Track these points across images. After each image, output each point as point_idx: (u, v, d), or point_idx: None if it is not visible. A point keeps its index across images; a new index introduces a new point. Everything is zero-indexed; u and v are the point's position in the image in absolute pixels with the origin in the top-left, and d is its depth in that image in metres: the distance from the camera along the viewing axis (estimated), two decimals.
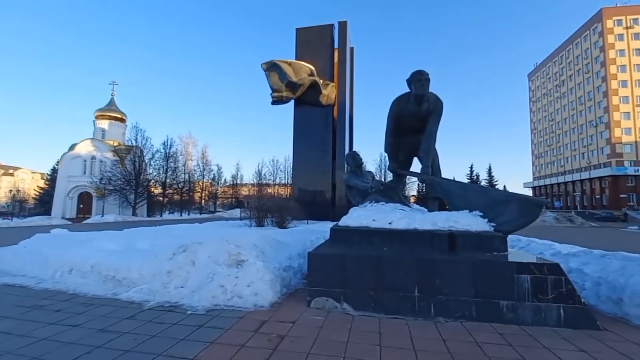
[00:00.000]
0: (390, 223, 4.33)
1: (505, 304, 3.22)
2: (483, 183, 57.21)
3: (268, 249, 5.40)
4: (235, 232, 9.26)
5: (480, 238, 3.83)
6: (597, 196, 54.89)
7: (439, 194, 5.23)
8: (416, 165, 5.72)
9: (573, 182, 61.51)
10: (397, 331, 2.94)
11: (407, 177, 6.63)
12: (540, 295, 3.17)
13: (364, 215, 4.66)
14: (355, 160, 6.88)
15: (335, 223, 4.74)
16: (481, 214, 4.22)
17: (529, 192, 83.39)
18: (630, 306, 3.26)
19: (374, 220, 4.45)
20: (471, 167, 58.34)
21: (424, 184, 5.97)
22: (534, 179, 78.55)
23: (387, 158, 6.16)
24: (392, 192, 6.07)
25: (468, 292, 3.30)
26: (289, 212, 14.66)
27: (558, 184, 66.94)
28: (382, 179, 27.95)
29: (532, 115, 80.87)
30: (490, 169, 59.49)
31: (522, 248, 6.22)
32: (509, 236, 7.55)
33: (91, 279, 4.38)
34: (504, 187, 64.09)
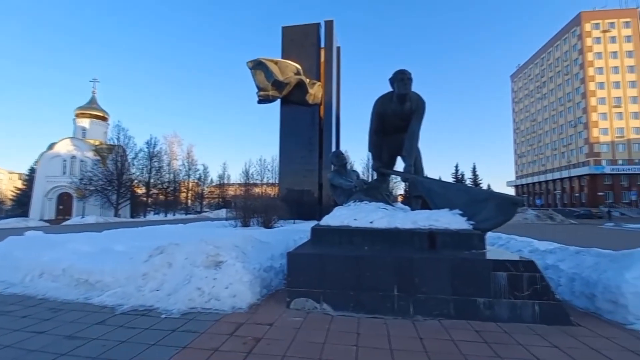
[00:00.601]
0: (371, 222, 4.31)
1: (482, 302, 3.25)
2: (468, 182, 58.33)
3: (250, 249, 5.31)
4: (218, 232, 9.12)
5: (460, 236, 3.86)
6: (577, 194, 56.72)
7: (421, 192, 5.26)
8: (400, 165, 5.75)
9: (554, 180, 63.38)
10: (375, 331, 2.92)
11: (392, 176, 6.66)
12: (516, 292, 3.21)
13: (346, 215, 4.63)
14: (339, 159, 6.87)
15: (316, 223, 4.70)
16: (461, 212, 4.25)
17: (511, 191, 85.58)
18: (602, 301, 3.34)
19: (355, 219, 4.43)
20: (456, 167, 59.50)
21: (407, 183, 6.01)
22: (517, 177, 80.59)
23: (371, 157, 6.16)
24: (375, 191, 6.08)
25: (446, 290, 3.31)
26: (275, 212, 14.56)
27: (540, 182, 68.84)
28: (369, 178, 28.14)
29: (514, 115, 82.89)
30: (474, 168, 60.79)
31: (502, 245, 6.33)
32: (491, 234, 7.72)
33: (63, 282, 4.20)
34: (488, 186, 65.58)
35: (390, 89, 5.26)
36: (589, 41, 55.65)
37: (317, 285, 3.55)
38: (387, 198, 6.12)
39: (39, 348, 2.51)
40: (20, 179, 52.00)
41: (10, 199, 50.55)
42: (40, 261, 4.56)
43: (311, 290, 3.55)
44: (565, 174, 58.98)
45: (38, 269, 4.44)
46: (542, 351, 2.50)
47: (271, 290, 4.19)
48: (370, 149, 5.99)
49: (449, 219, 4.13)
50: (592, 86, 54.86)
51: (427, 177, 5.38)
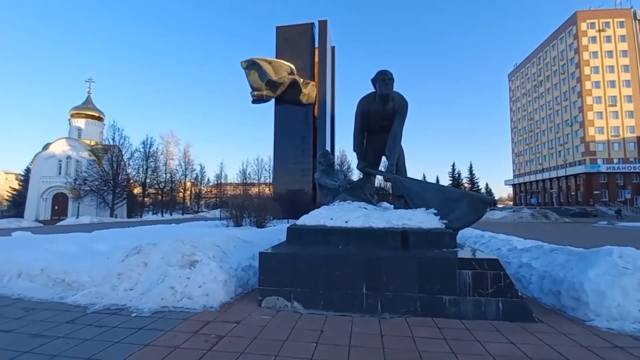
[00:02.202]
0: (346, 222, 4.36)
1: (447, 299, 3.30)
2: (464, 182, 58.46)
3: (232, 249, 5.36)
4: (206, 232, 9.16)
5: (432, 235, 3.90)
6: (573, 193, 56.93)
7: (402, 192, 5.32)
8: (385, 164, 5.80)
9: (550, 179, 63.56)
10: (339, 328, 2.97)
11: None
12: (480, 289, 3.26)
13: (324, 214, 4.68)
14: (326, 158, 6.92)
15: (293, 222, 4.74)
16: (436, 211, 4.31)
17: (509, 190, 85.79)
18: (566, 298, 3.40)
19: (331, 219, 4.47)
20: (453, 166, 59.50)
21: (389, 183, 6.07)
22: (514, 176, 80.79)
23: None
24: (359, 191, 6.12)
25: (413, 288, 3.37)
26: (268, 212, 14.60)
27: (537, 181, 69.03)
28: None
29: (512, 114, 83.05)
30: (471, 167, 60.91)
31: (483, 244, 6.38)
32: (473, 232, 7.78)
33: (39, 282, 4.23)
34: (486, 185, 65.64)
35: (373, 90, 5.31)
36: (584, 40, 55.78)
37: (288, 284, 3.59)
38: (371, 198, 6.17)
39: (3, 346, 2.55)
40: (17, 180, 51.75)
41: (6, 200, 50.41)
42: (18, 261, 4.59)
43: (282, 289, 3.59)
44: (561, 172, 59.17)
45: (16, 269, 4.46)
46: (497, 347, 2.55)
47: (247, 289, 4.23)
48: (355, 149, 6.06)
49: (422, 218, 4.19)
50: (588, 85, 55.02)
51: (407, 177, 5.42)
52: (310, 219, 4.60)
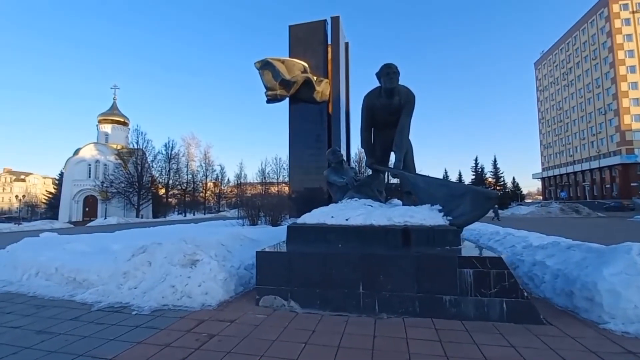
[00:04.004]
0: (347, 219, 4.28)
1: (448, 299, 3.17)
2: (488, 176, 56.35)
3: (238, 247, 5.42)
4: (218, 230, 9.30)
5: (434, 232, 3.75)
6: (607, 185, 53.57)
7: (409, 188, 5.18)
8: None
9: (582, 171, 60.09)
10: (332, 328, 2.91)
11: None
12: (482, 289, 3.10)
13: (325, 212, 4.62)
14: (335, 156, 6.87)
15: (294, 221, 4.71)
16: (440, 207, 4.15)
17: (538, 184, 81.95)
18: (579, 299, 3.17)
19: (332, 217, 4.41)
20: (476, 160, 57.36)
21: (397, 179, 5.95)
22: (543, 169, 77.08)
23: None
24: (367, 188, 6.02)
25: (411, 287, 3.25)
26: (284, 210, 14.72)
27: (567, 174, 65.48)
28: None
29: (539, 104, 79.17)
30: (495, 161, 58.35)
31: (497, 241, 6.12)
32: (489, 229, 7.47)
33: (54, 281, 4.45)
34: (513, 179, 62.87)
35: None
36: (617, 23, 52.10)
37: (285, 283, 3.57)
38: (379, 195, 6.05)
39: (7, 342, 2.69)
40: (53, 183, 54.98)
41: (43, 202, 53.71)
42: (37, 261, 4.84)
43: (279, 288, 3.58)
44: (594, 164, 55.78)
45: (35, 268, 4.71)
46: (494, 351, 2.41)
47: (249, 288, 4.24)
48: (362, 146, 5.99)
49: (424, 215, 4.04)
50: (622, 70, 51.40)
51: (412, 173, 5.27)
52: (311, 217, 4.55)
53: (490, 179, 56.52)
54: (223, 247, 5.01)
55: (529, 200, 73.12)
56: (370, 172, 6.36)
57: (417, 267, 3.27)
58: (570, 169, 64.21)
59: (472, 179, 55.02)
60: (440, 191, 4.38)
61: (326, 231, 4.19)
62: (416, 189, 4.81)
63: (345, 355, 2.38)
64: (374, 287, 3.33)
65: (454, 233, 3.75)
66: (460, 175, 56.88)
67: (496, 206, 29.23)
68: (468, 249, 3.62)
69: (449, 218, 3.95)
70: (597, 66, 56.20)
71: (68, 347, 2.58)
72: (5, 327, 3.03)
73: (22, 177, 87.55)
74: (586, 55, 59.25)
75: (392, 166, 5.65)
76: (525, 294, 3.05)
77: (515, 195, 58.37)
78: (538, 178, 78.68)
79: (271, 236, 6.95)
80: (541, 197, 77.52)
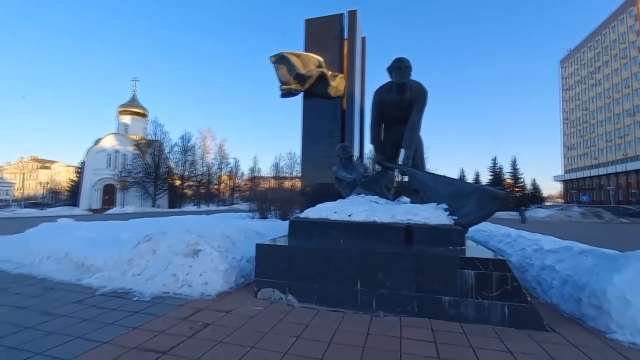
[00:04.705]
0: (349, 215, 4.23)
1: (447, 300, 3.08)
2: (507, 176, 54.76)
3: (242, 239, 5.46)
4: (227, 222, 9.41)
5: (438, 231, 3.67)
6: (633, 190, 51.20)
7: (417, 186, 5.09)
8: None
9: (607, 175, 57.65)
10: (326, 324, 2.88)
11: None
12: (484, 292, 3.00)
13: (329, 208, 4.59)
14: (345, 151, 6.83)
15: (296, 215, 4.70)
16: (446, 206, 4.06)
17: (559, 186, 79.14)
18: (587, 306, 3.02)
19: (335, 212, 4.37)
20: (494, 160, 55.77)
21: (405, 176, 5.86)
22: (565, 172, 74.39)
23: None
24: (374, 185, 5.96)
25: (410, 286, 3.18)
26: (294, 205, 14.78)
27: (591, 177, 62.95)
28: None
29: (564, 104, 76.28)
30: (514, 162, 56.54)
31: (507, 243, 5.92)
32: (500, 231, 7.25)
33: (64, 265, 4.60)
34: (533, 181, 60.77)
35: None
36: None
37: (283, 277, 3.57)
38: (387, 191, 5.96)
39: (12, 320, 2.79)
40: (75, 172, 57.04)
41: (66, 190, 55.88)
42: (49, 245, 5.03)
43: (277, 281, 3.58)
44: (620, 167, 53.41)
45: (46, 252, 4.89)
46: (490, 355, 2.33)
47: (250, 280, 4.26)
48: (371, 142, 5.92)
49: (429, 214, 3.95)
50: None
51: (420, 171, 5.17)
52: (314, 212, 4.53)
53: (508, 180, 54.93)
54: (227, 239, 5.05)
55: (549, 203, 70.65)
56: (380, 169, 6.28)
57: (417, 266, 3.19)
58: (594, 172, 61.71)
59: (489, 180, 53.60)
60: (447, 190, 4.28)
61: (328, 226, 4.16)
62: (423, 187, 4.72)
63: (334, 351, 2.35)
64: (372, 284, 3.28)
65: (459, 233, 3.65)
66: (477, 175, 55.46)
67: (522, 208, 28.18)
68: (472, 250, 3.51)
69: (454, 217, 3.86)
70: (627, 65, 53.64)
71: (67, 329, 2.66)
72: (12, 307, 3.15)
73: (47, 165, 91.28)
74: (615, 53, 56.57)
75: (397, 164, 5.56)
76: (529, 298, 2.93)
77: (534, 197, 56.52)
78: (559, 180, 76.04)
79: (278, 230, 6.96)
80: (562, 200, 74.91)
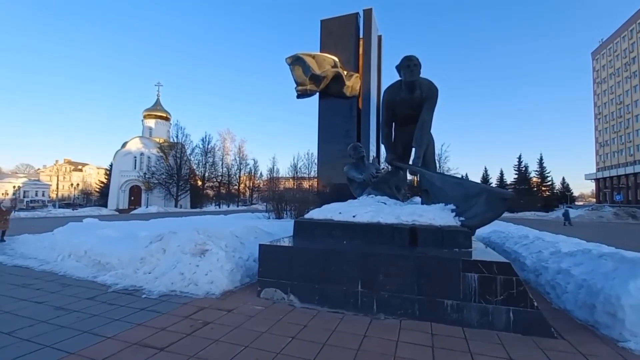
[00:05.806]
0: (354, 216, 4.21)
1: (449, 304, 3.00)
2: (533, 175, 52.50)
3: (252, 239, 5.54)
4: (241, 223, 9.59)
5: (443, 233, 3.59)
6: None
7: (426, 186, 4.99)
8: None
9: None
10: (324, 325, 2.88)
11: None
12: (488, 296, 2.90)
13: (334, 208, 4.59)
14: (357, 151, 6.78)
15: (301, 215, 4.72)
16: (454, 207, 3.95)
17: (591, 185, 74.98)
18: (600, 313, 2.86)
19: (340, 213, 4.36)
20: (519, 158, 53.58)
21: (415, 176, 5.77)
22: (598, 169, 70.34)
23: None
24: (384, 185, 5.90)
25: (411, 289, 3.12)
26: (309, 205, 14.83)
27: (626, 175, 59.19)
28: None
29: (596, 98, 72.08)
30: (541, 159, 54.09)
31: (524, 245, 5.68)
32: (517, 232, 6.96)
33: (83, 262, 4.85)
34: (562, 179, 58.00)
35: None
36: None
37: (286, 277, 3.60)
38: (397, 192, 5.88)
39: (29, 315, 2.98)
40: (105, 174, 59.78)
41: (96, 191, 58.74)
42: (71, 244, 5.31)
43: (280, 281, 3.61)
44: None
45: (68, 250, 5.17)
46: None
47: (255, 280, 4.31)
48: (382, 141, 5.85)
49: (434, 215, 3.86)
50: None
51: (431, 170, 5.06)
52: (319, 212, 4.54)
53: (535, 179, 52.65)
54: (236, 239, 5.14)
55: (580, 203, 67.18)
56: (391, 169, 6.20)
57: (419, 268, 3.13)
58: (629, 170, 57.95)
59: (514, 179, 51.60)
60: (455, 190, 4.16)
61: (332, 227, 4.15)
62: (432, 187, 4.62)
63: (327, 352, 2.35)
64: (373, 286, 3.25)
65: (465, 235, 3.55)
66: (501, 174, 53.51)
67: (567, 209, 26.35)
68: (478, 252, 3.40)
69: (462, 218, 3.75)
70: None
71: (77, 323, 2.80)
72: (31, 302, 3.36)
73: (80, 167, 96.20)
74: None
75: (407, 164, 5.46)
76: (535, 303, 2.81)
77: (564, 196, 53.86)
78: (591, 179, 72.01)
79: (289, 230, 7.01)
80: (594, 200, 70.94)
